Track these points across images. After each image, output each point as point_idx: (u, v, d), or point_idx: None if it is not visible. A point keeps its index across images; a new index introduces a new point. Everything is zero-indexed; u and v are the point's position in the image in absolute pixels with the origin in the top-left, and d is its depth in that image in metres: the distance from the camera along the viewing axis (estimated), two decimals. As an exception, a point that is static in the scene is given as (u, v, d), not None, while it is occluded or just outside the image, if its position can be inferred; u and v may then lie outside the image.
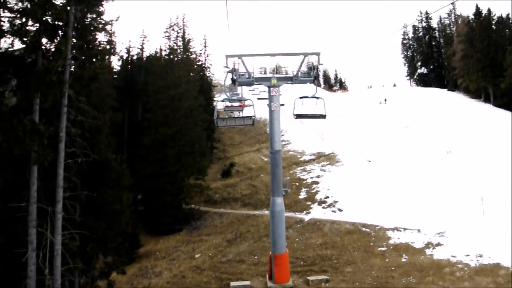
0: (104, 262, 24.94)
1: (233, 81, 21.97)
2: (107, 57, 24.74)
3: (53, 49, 18.27)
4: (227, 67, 21.88)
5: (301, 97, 21.19)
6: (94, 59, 20.01)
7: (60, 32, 18.53)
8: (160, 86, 47.92)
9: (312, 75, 22.24)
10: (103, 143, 22.31)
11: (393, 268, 23.11)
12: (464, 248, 24.19)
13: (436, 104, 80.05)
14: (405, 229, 29.49)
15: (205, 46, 72.82)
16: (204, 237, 38.00)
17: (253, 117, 21.56)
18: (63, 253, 17.24)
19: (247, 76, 22.20)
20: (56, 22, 18.41)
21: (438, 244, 25.68)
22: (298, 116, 21.14)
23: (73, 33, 18.58)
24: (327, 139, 62.97)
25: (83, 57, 19.27)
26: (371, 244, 27.87)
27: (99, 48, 20.51)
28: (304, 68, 22.38)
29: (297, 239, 31.13)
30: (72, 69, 19.53)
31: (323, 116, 21.15)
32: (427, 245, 26.06)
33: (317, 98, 20.73)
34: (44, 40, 18.55)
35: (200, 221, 42.70)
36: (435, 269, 22.06)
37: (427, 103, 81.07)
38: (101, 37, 35.61)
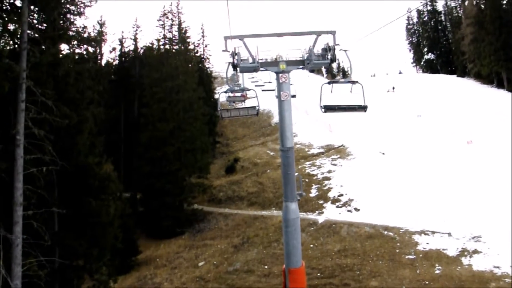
0: (94, 280, 21.69)
1: (235, 67, 18.26)
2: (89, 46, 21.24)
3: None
4: (226, 50, 18.17)
5: (330, 82, 16.62)
6: (59, 43, 16.53)
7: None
8: (155, 78, 44.53)
9: (327, 57, 18.56)
10: (84, 145, 18.98)
11: (426, 282, 19.94)
12: (508, 256, 20.84)
13: (446, 91, 76.53)
14: (433, 232, 26.23)
15: (203, 36, 69.28)
16: (208, 242, 34.84)
17: (257, 107, 19.08)
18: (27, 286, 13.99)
19: (250, 61, 18.45)
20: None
21: (476, 252, 22.47)
22: (328, 109, 16.19)
23: (32, 7, 15.15)
24: (335, 131, 59.54)
25: (46, 40, 15.87)
26: (397, 251, 24.68)
27: (68, 31, 17.07)
28: (316, 51, 18.81)
29: (311, 245, 27.94)
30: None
31: (364, 108, 16.06)
32: (462, 252, 22.86)
33: (353, 82, 15.98)
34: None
35: (203, 223, 39.45)
36: (477, 284, 18.76)
37: (437, 90, 77.58)
38: (82, 23, 32.21)
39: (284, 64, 18.56)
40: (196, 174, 43.76)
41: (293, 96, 21.61)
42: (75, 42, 20.60)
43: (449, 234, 25.51)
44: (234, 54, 18.22)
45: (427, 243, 25.05)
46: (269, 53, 19.38)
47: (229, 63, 19.17)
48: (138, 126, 46.16)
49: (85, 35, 21.18)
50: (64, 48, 20.21)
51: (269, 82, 45.67)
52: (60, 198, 17.18)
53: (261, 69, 19.22)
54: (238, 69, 18.90)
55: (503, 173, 33.16)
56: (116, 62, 54.23)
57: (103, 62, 52.43)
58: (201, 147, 44.10)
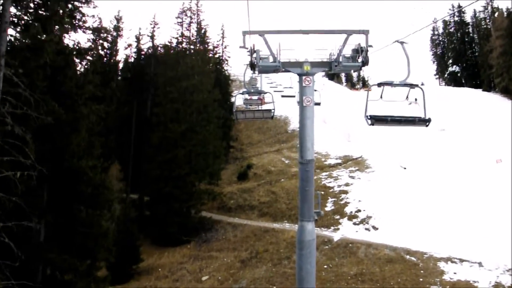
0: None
1: (253, 66, 16.05)
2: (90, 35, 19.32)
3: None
4: (244, 47, 15.96)
5: (380, 84, 12.67)
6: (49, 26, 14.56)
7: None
8: (170, 77, 42.59)
9: (359, 59, 16.14)
10: (79, 146, 17.01)
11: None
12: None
13: (471, 105, 73.42)
14: (461, 260, 23.77)
15: (223, 37, 67.26)
16: (214, 253, 32.69)
17: (273, 111, 18.54)
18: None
19: (271, 60, 16.16)
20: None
21: (512, 287, 19.87)
22: (377, 120, 12.03)
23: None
24: (354, 141, 57.13)
25: (29, 22, 13.95)
26: (420, 279, 22.31)
27: (71, 18, 15.16)
28: (346, 52, 16.51)
29: (325, 266, 25.65)
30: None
31: (426, 122, 12.13)
32: (495, 287, 20.23)
33: (412, 86, 12.56)
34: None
35: (211, 232, 37.30)
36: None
37: (461, 104, 74.53)
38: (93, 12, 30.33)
39: (309, 65, 16.27)
40: (207, 180, 41.63)
41: (317, 104, 19.39)
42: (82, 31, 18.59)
43: (480, 264, 23.03)
44: (252, 52, 16.02)
45: (455, 273, 22.62)
46: (292, 53, 17.06)
47: (247, 64, 17.14)
48: (149, 126, 44.35)
49: (91, 24, 19.22)
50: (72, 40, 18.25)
51: (290, 87, 43.58)
52: (49, 206, 15.21)
53: (282, 70, 17.10)
54: (256, 69, 16.75)
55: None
56: (132, 59, 52.58)
57: (118, 58, 50.71)
58: (213, 151, 42.02)
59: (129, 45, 49.46)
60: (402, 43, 12.79)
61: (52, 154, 14.61)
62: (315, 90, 16.83)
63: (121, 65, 51.86)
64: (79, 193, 16.89)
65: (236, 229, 36.24)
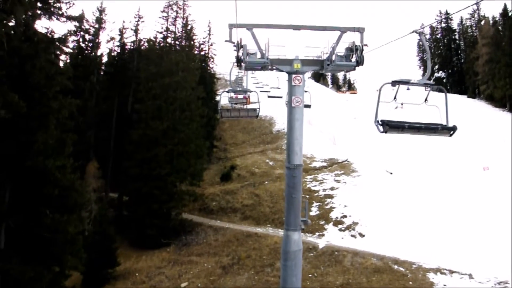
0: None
1: (239, 62, 14.76)
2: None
3: None
4: (230, 41, 14.67)
5: (394, 82, 10.38)
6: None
7: None
8: (153, 72, 41.01)
9: (353, 58, 14.92)
10: (45, 143, 15.50)
11: None
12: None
13: (457, 111, 73.22)
14: (451, 271, 22.90)
15: (209, 34, 65.71)
16: (194, 258, 31.32)
17: (258, 109, 18.25)
18: None
19: (259, 56, 14.88)
20: None
21: (505, 303, 19.01)
22: (391, 127, 9.81)
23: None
24: (339, 144, 56.26)
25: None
26: (409, 291, 21.22)
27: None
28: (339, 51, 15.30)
29: (310, 275, 24.53)
30: None
31: (450, 130, 10.22)
32: (488, 302, 19.38)
33: (431, 86, 10.59)
34: None
35: (191, 235, 35.90)
36: None
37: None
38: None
39: (299, 63, 15.04)
40: (188, 180, 40.14)
41: (307, 106, 18.19)
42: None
43: (470, 276, 22.18)
44: (239, 46, 14.74)
45: (445, 285, 21.73)
46: (281, 49, 15.77)
47: (233, 63, 15.94)
48: (130, 123, 42.72)
49: (65, 10, 17.65)
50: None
51: (278, 87, 42.29)
52: (11, 209, 13.72)
53: (269, 68, 15.90)
54: (243, 65, 15.47)
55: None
56: (115, 53, 50.77)
57: (100, 52, 48.76)
58: (195, 151, 40.55)
59: (112, 39, 47.65)
60: (420, 33, 11.40)
61: (16, 152, 13.13)
62: (305, 91, 15.68)
63: (103, 59, 49.94)
64: (45, 196, 15.41)
65: (217, 233, 34.91)
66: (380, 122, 9.61)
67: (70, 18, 18.41)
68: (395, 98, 10.91)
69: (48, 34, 17.36)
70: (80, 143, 39.75)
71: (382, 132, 9.61)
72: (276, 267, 26.13)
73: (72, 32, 42.52)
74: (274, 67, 15.27)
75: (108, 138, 45.28)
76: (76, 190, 17.57)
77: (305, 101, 15.32)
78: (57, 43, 17.75)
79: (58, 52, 20.07)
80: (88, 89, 41.14)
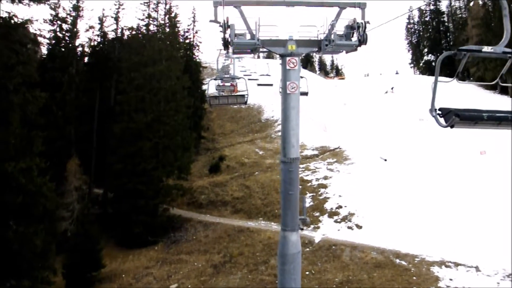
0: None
1: (226, 44, 12.98)
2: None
3: None
4: (215, 21, 12.91)
5: (460, 51, 7.76)
6: None
7: None
8: (135, 62, 38.95)
9: (354, 37, 13.21)
10: (7, 143, 13.65)
11: None
12: None
13: (448, 94, 72.22)
14: (456, 264, 21.62)
15: (193, 21, 63.60)
16: (183, 257, 29.73)
17: (246, 96, 17.75)
18: None
19: (248, 38, 13.13)
20: None
21: (517, 297, 17.77)
22: (463, 120, 6.79)
23: None
24: (330, 131, 54.80)
25: None
26: (414, 287, 19.87)
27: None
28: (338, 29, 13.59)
29: (307, 272, 23.13)
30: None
31: None
32: (498, 296, 18.13)
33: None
34: None
35: (180, 232, 34.27)
36: None
37: (438, 92, 73.20)
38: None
39: (294, 44, 13.30)
40: (175, 174, 38.37)
41: (304, 93, 16.66)
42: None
43: (477, 269, 20.93)
44: (226, 27, 12.93)
45: (451, 279, 20.45)
46: (273, 29, 14.01)
47: (220, 50, 14.33)
48: (113, 116, 40.70)
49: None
50: None
51: (267, 75, 40.56)
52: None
53: (259, 51, 14.17)
54: (230, 48, 13.70)
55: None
56: (95, 43, 48.43)
57: (79, 41, 46.25)
58: (182, 143, 38.74)
59: (91, 27, 45.17)
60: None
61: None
62: (301, 77, 14.03)
63: (82, 49, 47.53)
64: (6, 204, 13.61)
65: (207, 228, 33.31)
66: (440, 113, 6.60)
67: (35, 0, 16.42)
68: (457, 74, 8.20)
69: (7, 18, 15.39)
70: (59, 139, 38.03)
71: (446, 126, 6.55)
72: (271, 264, 24.72)
73: (47, 21, 40.81)
74: (266, 49, 13.61)
75: (90, 132, 43.20)
76: (45, 195, 15.71)
77: (302, 87, 13.71)
78: (21, 28, 15.79)
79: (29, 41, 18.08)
80: (67, 81, 38.89)
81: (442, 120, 6.65)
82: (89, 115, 43.28)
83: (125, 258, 31.82)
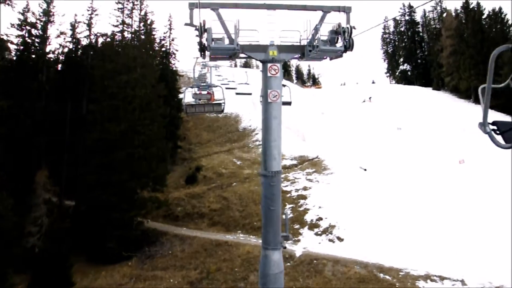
0: None
1: (203, 49, 12.06)
2: None
3: None
4: (191, 24, 11.95)
5: None
6: None
7: None
8: (108, 69, 37.56)
9: (339, 43, 12.46)
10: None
11: None
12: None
13: (424, 103, 73.30)
14: (441, 278, 21.07)
15: (170, 29, 62.34)
16: (158, 273, 28.43)
17: (223, 104, 17.97)
18: None
19: (227, 43, 12.21)
20: None
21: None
22: None
23: None
24: (309, 141, 54.27)
25: None
26: (400, 304, 19.16)
27: None
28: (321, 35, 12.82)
29: (288, 288, 22.08)
30: None
31: None
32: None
33: None
34: None
35: (155, 246, 32.90)
36: None
37: (414, 102, 74.26)
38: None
39: (276, 49, 12.53)
40: (150, 186, 36.98)
41: (287, 103, 15.83)
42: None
43: (463, 282, 20.42)
44: (202, 30, 12.00)
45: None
46: (254, 34, 13.19)
47: (196, 57, 13.49)
48: (85, 125, 39.09)
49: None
50: None
51: (246, 83, 39.66)
52: None
53: (241, 56, 13.33)
54: (207, 53, 12.74)
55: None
56: (67, 49, 46.69)
57: (51, 48, 44.47)
58: (157, 154, 37.47)
59: (62, 33, 43.49)
60: None
61: None
62: (284, 85, 13.19)
63: (57, 56, 45.77)
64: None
65: (184, 243, 32.03)
66: (496, 128, 4.68)
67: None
68: None
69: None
70: (28, 149, 36.32)
71: (508, 147, 4.64)
72: (250, 281, 23.74)
73: (15, 25, 39.14)
74: (245, 55, 12.74)
75: (62, 142, 41.48)
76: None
77: (284, 97, 12.86)
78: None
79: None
80: (36, 89, 37.26)
81: (499, 138, 4.76)
82: (60, 125, 41.56)
83: (97, 275, 30.24)
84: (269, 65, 11.85)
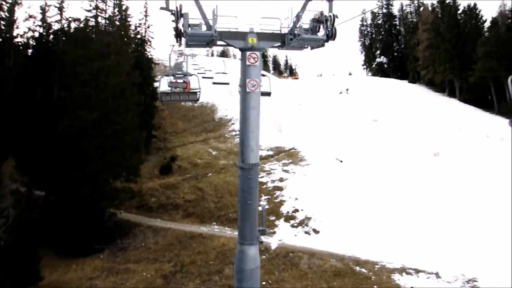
0: None
1: (179, 36, 11.39)
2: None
3: None
4: (167, 8, 11.23)
5: None
6: None
7: None
8: (81, 55, 36.17)
9: (320, 32, 12.00)
10: None
11: None
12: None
13: (400, 96, 74.09)
14: (417, 271, 21.12)
15: (145, 16, 60.81)
16: (131, 266, 27.71)
17: (198, 93, 17.74)
18: None
19: (204, 29, 11.57)
20: None
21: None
22: None
23: None
24: (286, 131, 54.04)
25: None
26: (376, 297, 19.08)
27: None
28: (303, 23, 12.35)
29: (263, 282, 21.84)
30: None
31: None
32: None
33: None
34: None
35: (128, 238, 32.10)
36: None
37: (390, 94, 74.94)
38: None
39: (255, 37, 11.93)
40: (124, 176, 36.01)
41: (266, 94, 15.56)
42: None
43: (437, 275, 20.49)
44: (178, 15, 11.34)
45: (412, 287, 19.77)
46: (233, 20, 12.59)
47: (172, 45, 12.98)
48: (56, 113, 37.68)
49: None
50: None
51: (224, 73, 38.97)
52: None
53: (218, 43, 12.70)
54: (183, 40, 12.09)
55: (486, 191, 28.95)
56: (37, 33, 44.87)
57: (19, 32, 42.55)
58: (131, 143, 36.45)
59: (31, 17, 41.65)
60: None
61: None
62: (263, 75, 12.71)
63: (27, 41, 43.84)
64: None
65: (157, 234, 31.33)
66: None
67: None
68: None
69: None
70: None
71: None
72: (225, 274, 23.33)
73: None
74: (224, 43, 12.16)
75: (31, 130, 39.95)
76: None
77: (264, 87, 12.37)
78: None
79: None
80: (2, 74, 35.64)
81: None
82: (29, 112, 39.98)
83: (67, 268, 29.28)
84: (248, 53, 11.30)
